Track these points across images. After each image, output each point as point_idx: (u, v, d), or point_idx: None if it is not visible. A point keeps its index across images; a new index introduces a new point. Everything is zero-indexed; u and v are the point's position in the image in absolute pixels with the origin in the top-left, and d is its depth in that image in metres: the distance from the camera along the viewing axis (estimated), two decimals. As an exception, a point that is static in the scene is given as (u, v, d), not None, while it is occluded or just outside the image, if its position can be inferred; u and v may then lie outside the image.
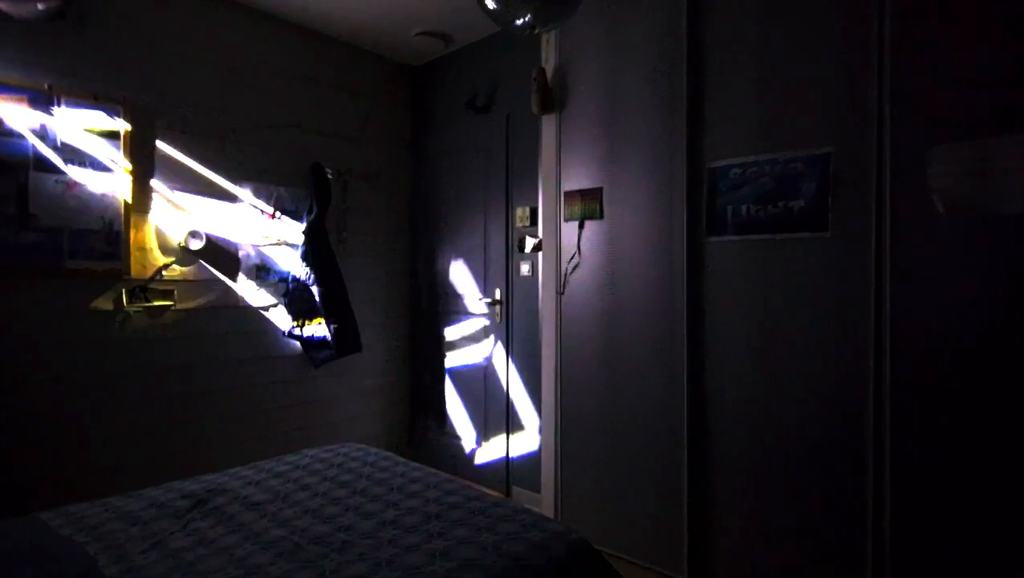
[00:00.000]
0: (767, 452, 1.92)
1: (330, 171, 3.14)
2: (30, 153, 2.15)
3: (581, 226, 2.45)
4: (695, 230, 2.09)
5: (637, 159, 2.27)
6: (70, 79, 2.27)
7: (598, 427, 2.39)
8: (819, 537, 1.80)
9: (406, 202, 3.67)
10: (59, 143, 2.22)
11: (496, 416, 3.15)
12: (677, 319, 2.12)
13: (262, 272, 2.91)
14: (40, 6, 1.92)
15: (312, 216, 3.01)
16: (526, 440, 2.96)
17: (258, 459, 2.06)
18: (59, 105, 2.22)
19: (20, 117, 2.13)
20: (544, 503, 2.59)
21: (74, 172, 2.26)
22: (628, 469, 2.28)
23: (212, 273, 2.72)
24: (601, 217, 2.38)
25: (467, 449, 3.31)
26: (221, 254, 2.75)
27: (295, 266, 3.00)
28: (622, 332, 2.31)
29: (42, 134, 2.18)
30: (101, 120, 2.34)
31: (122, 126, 2.39)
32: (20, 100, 2.13)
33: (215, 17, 2.72)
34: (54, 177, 2.21)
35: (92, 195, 2.31)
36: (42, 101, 2.18)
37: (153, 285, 2.51)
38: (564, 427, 2.52)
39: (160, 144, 2.53)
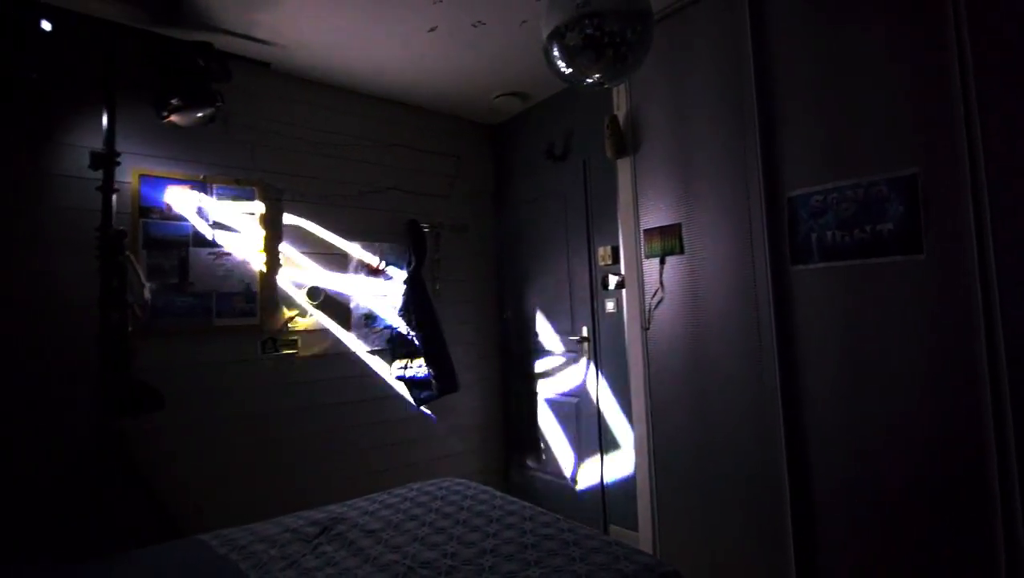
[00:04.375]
0: (876, 490, 1.81)
1: (425, 225, 3.46)
2: (190, 232, 2.63)
3: (662, 262, 2.50)
4: (779, 260, 2.07)
5: (713, 193, 2.30)
6: (218, 168, 2.75)
7: (692, 464, 2.36)
8: (947, 585, 1.65)
9: (493, 249, 3.92)
10: (210, 222, 2.69)
11: (590, 453, 3.18)
12: (767, 351, 2.09)
13: (369, 321, 3.24)
14: (199, 115, 2.39)
15: (411, 267, 3.32)
16: (622, 477, 2.96)
17: (369, 492, 2.26)
18: (210, 192, 2.70)
19: (183, 204, 2.62)
20: (642, 540, 2.56)
21: (222, 244, 2.72)
22: (726, 507, 2.22)
23: (329, 323, 3.08)
24: (681, 252, 2.42)
25: (562, 485, 3.35)
26: (336, 306, 3.11)
27: (398, 314, 3.30)
28: (710, 366, 2.29)
29: (198, 216, 2.66)
30: (241, 200, 2.80)
31: (257, 203, 2.84)
32: (183, 190, 2.63)
33: (324, 103, 3.18)
34: (207, 250, 2.67)
35: (235, 263, 2.75)
36: (198, 189, 2.67)
37: (282, 336, 2.89)
38: (658, 464, 2.50)
39: (286, 215, 2.97)
